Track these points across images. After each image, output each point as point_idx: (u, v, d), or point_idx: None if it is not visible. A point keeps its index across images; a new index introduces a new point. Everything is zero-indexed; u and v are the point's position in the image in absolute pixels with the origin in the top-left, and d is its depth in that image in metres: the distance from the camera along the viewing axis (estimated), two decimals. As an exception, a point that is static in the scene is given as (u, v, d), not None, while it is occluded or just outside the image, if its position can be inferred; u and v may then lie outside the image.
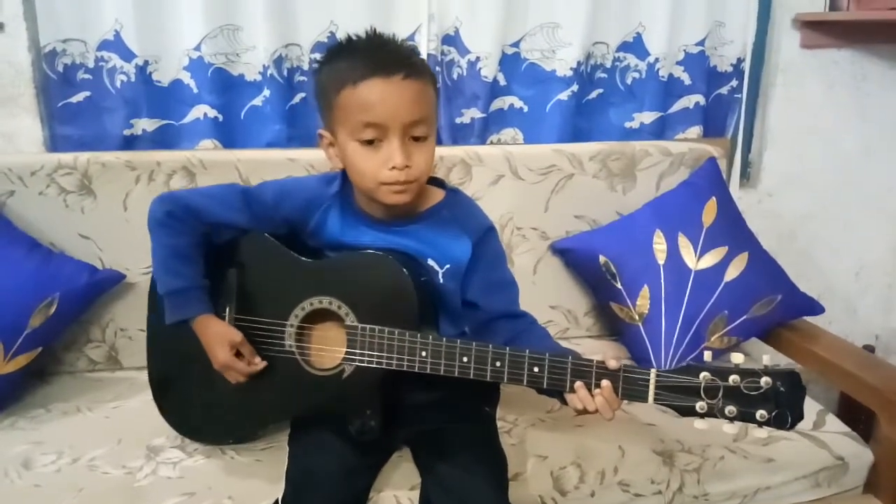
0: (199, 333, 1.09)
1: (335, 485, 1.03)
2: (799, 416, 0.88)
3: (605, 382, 0.93)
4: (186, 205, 1.10)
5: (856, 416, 1.48)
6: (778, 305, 1.46)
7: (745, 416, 0.89)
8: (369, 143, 0.99)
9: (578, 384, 0.94)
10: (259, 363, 1.08)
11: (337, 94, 0.99)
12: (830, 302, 1.67)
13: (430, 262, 1.07)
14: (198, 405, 1.18)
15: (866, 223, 1.96)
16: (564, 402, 0.98)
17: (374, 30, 1.03)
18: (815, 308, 1.52)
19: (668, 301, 1.45)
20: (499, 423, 1.19)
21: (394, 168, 0.99)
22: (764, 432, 0.89)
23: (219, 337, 1.07)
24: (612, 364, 0.93)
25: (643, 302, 1.47)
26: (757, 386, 0.88)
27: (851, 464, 1.24)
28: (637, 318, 1.47)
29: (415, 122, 0.99)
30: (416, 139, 1.00)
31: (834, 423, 1.31)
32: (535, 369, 0.95)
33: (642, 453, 1.21)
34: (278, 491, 1.04)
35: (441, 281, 1.08)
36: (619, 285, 1.49)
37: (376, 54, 0.99)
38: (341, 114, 1.00)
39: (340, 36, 1.55)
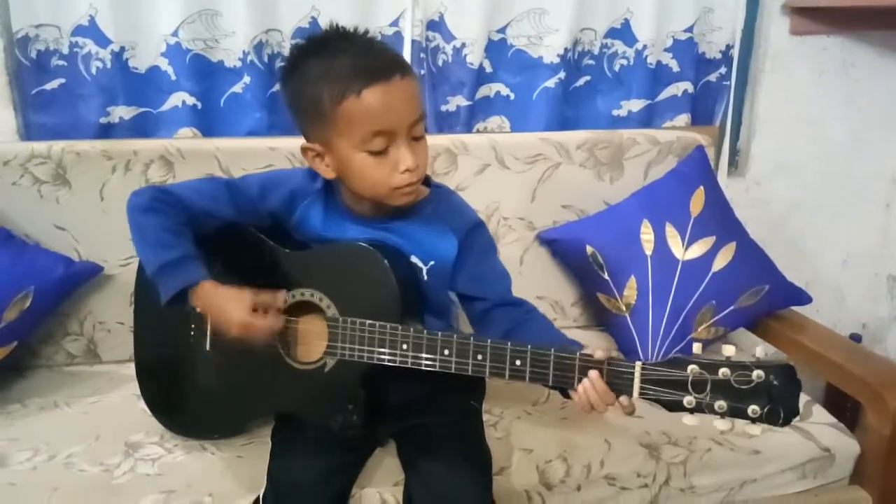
0: (205, 301, 0.99)
1: (317, 483, 1.01)
2: (793, 412, 0.84)
3: (593, 373, 0.89)
4: (170, 194, 1.06)
5: (842, 406, 1.47)
6: (765, 295, 1.45)
7: (736, 412, 0.85)
8: (379, 151, 0.97)
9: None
10: (280, 315, 1.00)
11: (337, 106, 0.95)
12: (818, 290, 1.66)
13: (414, 258, 1.06)
14: (184, 401, 1.16)
15: (854, 211, 1.95)
16: (568, 396, 0.95)
17: (339, 27, 0.99)
18: (803, 298, 1.51)
19: (656, 292, 1.44)
20: (484, 417, 1.17)
21: (406, 171, 0.97)
22: (757, 429, 0.85)
23: (229, 298, 0.98)
24: (599, 354, 0.90)
25: (630, 293, 1.45)
26: (748, 380, 0.84)
27: (838, 455, 1.24)
28: (624, 308, 1.46)
29: (416, 121, 0.98)
30: (416, 137, 0.99)
31: (821, 414, 1.31)
32: (518, 362, 0.93)
33: (629, 446, 1.20)
34: (259, 488, 1.03)
35: (425, 278, 1.06)
36: (606, 276, 1.48)
37: (367, 58, 0.96)
38: (344, 125, 0.96)
39: (322, 22, 1.55)
